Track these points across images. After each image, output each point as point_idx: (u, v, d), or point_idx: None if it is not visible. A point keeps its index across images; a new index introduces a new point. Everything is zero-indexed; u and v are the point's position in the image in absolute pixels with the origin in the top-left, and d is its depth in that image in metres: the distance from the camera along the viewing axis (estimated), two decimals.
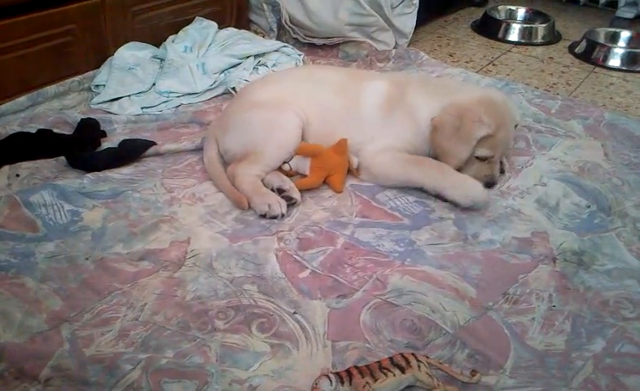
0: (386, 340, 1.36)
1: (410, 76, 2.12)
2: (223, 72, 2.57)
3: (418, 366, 1.24)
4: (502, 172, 1.98)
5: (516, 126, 2.02)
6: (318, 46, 3.07)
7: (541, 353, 1.35)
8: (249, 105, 1.93)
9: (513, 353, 1.35)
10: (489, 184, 1.89)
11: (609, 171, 2.06)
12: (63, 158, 1.93)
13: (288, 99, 1.92)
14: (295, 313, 1.42)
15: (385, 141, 1.90)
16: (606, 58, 3.13)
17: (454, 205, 1.81)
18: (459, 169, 1.86)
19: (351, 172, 1.95)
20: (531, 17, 3.60)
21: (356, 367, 1.24)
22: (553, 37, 3.45)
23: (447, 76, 2.76)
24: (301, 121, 1.90)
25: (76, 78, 2.39)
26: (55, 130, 2.08)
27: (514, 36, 3.43)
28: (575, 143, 2.23)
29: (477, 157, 1.86)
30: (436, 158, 1.89)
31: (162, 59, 2.51)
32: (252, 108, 1.91)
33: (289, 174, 1.89)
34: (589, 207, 1.87)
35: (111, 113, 2.28)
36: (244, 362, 1.28)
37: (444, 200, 1.83)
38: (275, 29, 3.13)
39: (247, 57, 2.64)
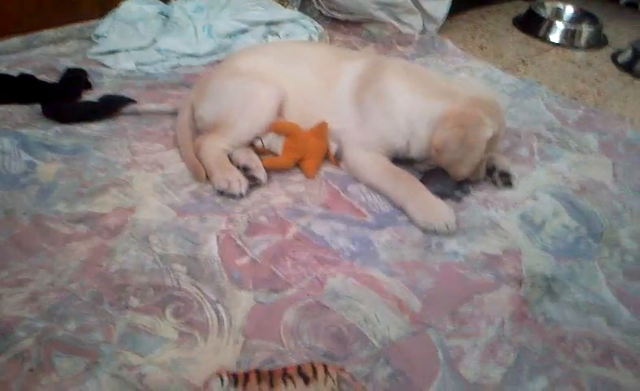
0: (304, 346, 1.26)
1: (394, 60, 1.96)
2: (230, 37, 2.48)
3: (325, 380, 1.15)
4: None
5: None
6: (341, 21, 2.95)
7: (471, 386, 1.23)
8: (228, 73, 1.84)
9: (439, 381, 1.23)
10: (506, 174, 1.85)
11: (613, 194, 1.88)
12: (39, 106, 1.89)
13: (268, 72, 1.82)
14: (217, 302, 1.34)
15: (361, 135, 1.78)
16: None
17: None
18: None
19: (328, 158, 1.84)
20: (578, 18, 3.36)
21: (256, 371, 1.15)
22: (597, 42, 3.21)
23: (466, 69, 2.60)
24: (279, 96, 1.80)
25: (77, 26, 2.35)
26: (40, 77, 2.04)
27: (555, 36, 3.21)
28: (583, 159, 2.06)
29: None
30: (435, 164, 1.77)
31: (168, 16, 2.44)
32: (229, 76, 1.82)
33: (261, 152, 1.80)
34: (577, 230, 1.71)
35: (104, 66, 2.23)
36: (145, 347, 1.21)
37: None
38: None
39: (258, 24, 2.54)
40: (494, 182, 1.85)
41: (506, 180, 1.85)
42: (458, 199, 1.75)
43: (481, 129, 1.68)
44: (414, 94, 1.74)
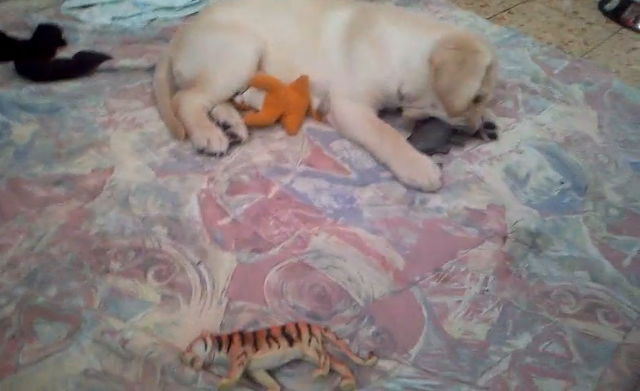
0: (288, 306, 1.26)
1: (383, 5, 1.92)
2: None
3: (309, 341, 1.14)
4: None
5: None
6: None
7: (455, 342, 1.23)
8: (207, 26, 1.79)
9: (423, 338, 1.23)
10: (491, 125, 1.81)
11: (598, 146, 1.87)
12: (11, 64, 1.83)
13: (248, 24, 1.77)
14: (199, 263, 1.32)
15: (350, 85, 1.74)
16: (637, 19, 2.85)
17: None
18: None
19: (310, 114, 1.80)
20: None
21: (240, 333, 1.15)
22: None
23: (450, 18, 2.56)
24: (259, 50, 1.76)
25: None
26: (11, 33, 1.97)
27: None
28: (568, 110, 2.04)
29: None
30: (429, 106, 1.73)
31: None
32: (208, 30, 1.77)
33: (241, 108, 1.76)
34: (562, 183, 1.71)
35: (78, 21, 2.17)
36: (127, 311, 1.20)
37: None
38: None
39: None
40: (479, 135, 1.83)
41: (491, 132, 1.82)
42: (446, 152, 1.73)
43: (480, 55, 1.64)
44: (410, 31, 1.72)
